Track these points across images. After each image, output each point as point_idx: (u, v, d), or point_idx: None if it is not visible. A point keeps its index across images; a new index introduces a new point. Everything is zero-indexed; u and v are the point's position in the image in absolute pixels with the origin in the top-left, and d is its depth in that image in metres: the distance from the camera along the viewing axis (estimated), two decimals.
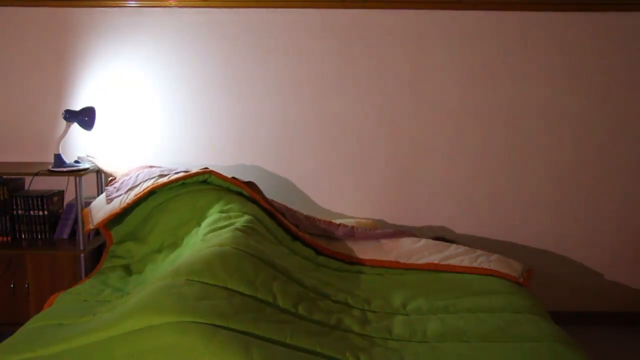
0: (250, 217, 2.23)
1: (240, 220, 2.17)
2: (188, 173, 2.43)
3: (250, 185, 2.52)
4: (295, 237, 2.41)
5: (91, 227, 2.31)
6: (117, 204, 2.36)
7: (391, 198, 2.94)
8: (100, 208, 2.43)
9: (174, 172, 2.49)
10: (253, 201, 2.44)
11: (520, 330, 1.75)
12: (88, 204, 2.75)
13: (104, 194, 2.55)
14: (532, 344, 1.67)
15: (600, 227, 2.96)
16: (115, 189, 2.52)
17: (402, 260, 2.36)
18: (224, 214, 2.24)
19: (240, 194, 2.47)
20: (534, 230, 2.96)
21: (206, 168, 2.50)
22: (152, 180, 2.41)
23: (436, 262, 2.34)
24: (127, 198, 2.36)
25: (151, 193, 2.39)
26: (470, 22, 2.81)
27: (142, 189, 2.37)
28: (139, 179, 2.48)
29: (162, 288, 1.60)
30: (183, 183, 2.44)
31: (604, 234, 2.97)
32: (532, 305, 1.97)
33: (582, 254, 2.98)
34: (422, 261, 2.35)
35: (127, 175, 2.59)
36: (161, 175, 2.45)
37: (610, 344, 2.79)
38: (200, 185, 2.45)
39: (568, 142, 2.90)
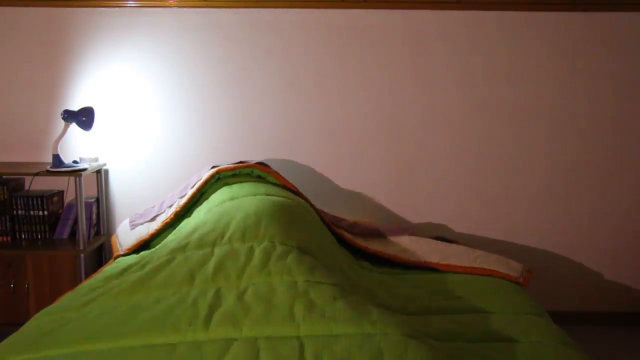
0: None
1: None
2: (201, 182, 2.45)
3: (262, 164, 2.57)
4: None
5: (121, 253, 2.35)
6: (145, 230, 2.44)
7: (391, 198, 2.94)
8: (126, 234, 2.52)
9: (190, 186, 2.53)
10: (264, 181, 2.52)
11: (520, 330, 1.75)
12: (88, 204, 2.75)
13: (127, 220, 2.67)
14: (531, 344, 1.67)
15: (600, 227, 2.96)
16: (138, 216, 2.65)
17: (402, 256, 2.37)
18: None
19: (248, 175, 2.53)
20: (534, 230, 2.96)
21: (214, 167, 2.54)
22: (176, 205, 2.47)
23: (436, 262, 2.34)
24: (154, 224, 2.45)
25: (177, 217, 2.41)
26: (470, 22, 2.81)
27: (168, 215, 2.43)
28: (164, 207, 2.57)
29: (176, 303, 1.62)
30: (202, 192, 2.49)
31: (604, 234, 2.96)
32: (532, 305, 1.97)
33: (582, 254, 2.98)
34: (421, 261, 2.35)
35: (152, 205, 2.73)
36: (181, 197, 2.52)
37: (610, 344, 2.78)
38: (214, 186, 2.48)
39: (568, 142, 2.90)
